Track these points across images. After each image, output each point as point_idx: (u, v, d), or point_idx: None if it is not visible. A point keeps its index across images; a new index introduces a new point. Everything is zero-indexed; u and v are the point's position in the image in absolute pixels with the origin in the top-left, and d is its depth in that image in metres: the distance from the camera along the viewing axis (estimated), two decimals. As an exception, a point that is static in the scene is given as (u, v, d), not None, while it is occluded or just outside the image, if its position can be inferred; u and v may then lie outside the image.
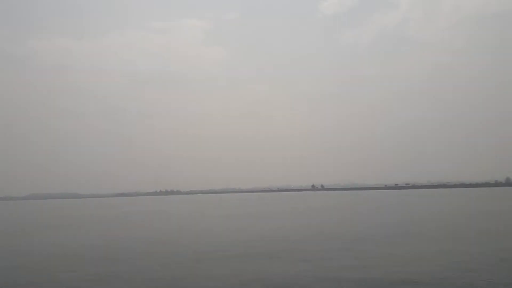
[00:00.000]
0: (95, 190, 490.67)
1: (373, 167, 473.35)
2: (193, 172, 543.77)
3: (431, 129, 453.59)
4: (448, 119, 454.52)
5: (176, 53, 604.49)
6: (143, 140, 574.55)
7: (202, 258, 18.81)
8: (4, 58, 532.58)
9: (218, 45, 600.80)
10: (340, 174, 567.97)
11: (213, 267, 16.75)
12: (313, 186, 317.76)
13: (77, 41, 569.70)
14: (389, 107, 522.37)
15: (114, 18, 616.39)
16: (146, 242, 25.97)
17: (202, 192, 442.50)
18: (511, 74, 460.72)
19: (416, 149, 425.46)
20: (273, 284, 13.62)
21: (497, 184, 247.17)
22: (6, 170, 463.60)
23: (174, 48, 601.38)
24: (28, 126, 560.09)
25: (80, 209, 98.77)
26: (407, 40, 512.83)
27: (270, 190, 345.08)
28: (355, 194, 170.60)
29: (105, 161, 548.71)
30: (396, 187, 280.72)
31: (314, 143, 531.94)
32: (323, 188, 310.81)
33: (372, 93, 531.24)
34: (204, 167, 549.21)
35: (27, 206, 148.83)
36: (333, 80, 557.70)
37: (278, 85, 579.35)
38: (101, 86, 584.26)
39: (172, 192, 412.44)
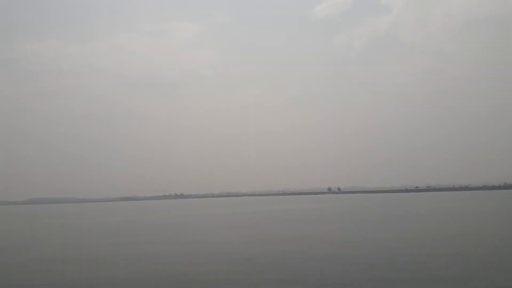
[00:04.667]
0: (94, 195, 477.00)
1: (378, 171, 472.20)
2: (191, 176, 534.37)
3: (429, 132, 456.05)
4: (444, 123, 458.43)
5: (168, 56, 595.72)
6: (137, 144, 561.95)
7: None
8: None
9: (210, 48, 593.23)
10: (346, 177, 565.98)
11: None
12: (329, 189, 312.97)
13: (68, 43, 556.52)
14: (386, 111, 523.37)
15: (104, 21, 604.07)
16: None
17: (205, 196, 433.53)
18: (502, 78, 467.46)
19: (417, 152, 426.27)
20: None
21: (506, 186, 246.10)
22: (3, 174, 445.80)
23: (165, 51, 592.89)
24: (22, 130, 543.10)
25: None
26: (399, 44, 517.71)
27: (284, 194, 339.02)
28: (393, 196, 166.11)
29: (100, 166, 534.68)
30: (418, 189, 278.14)
31: (315, 145, 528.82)
32: (340, 191, 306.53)
33: (364, 96, 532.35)
34: (202, 171, 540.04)
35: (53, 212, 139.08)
36: (325, 83, 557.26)
37: (270, 88, 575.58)
38: (92, 89, 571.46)
39: (181, 196, 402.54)
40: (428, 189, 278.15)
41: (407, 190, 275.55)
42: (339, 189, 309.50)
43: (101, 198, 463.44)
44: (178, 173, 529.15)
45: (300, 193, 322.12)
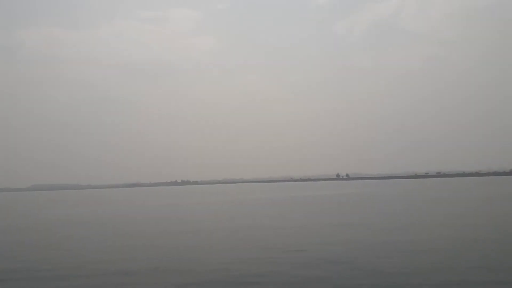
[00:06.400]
0: (98, 181, 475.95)
1: (380, 158, 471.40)
2: (195, 163, 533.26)
3: (431, 120, 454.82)
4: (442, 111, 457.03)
5: (167, 43, 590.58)
6: (138, 131, 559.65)
7: None
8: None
9: (209, 34, 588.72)
10: (349, 163, 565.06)
11: None
12: (337, 175, 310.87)
13: (67, 31, 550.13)
14: (389, 99, 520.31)
15: (104, 8, 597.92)
16: None
17: (209, 183, 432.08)
18: (503, 64, 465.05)
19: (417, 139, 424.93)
20: None
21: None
22: (7, 161, 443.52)
23: (165, 38, 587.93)
24: (24, 117, 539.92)
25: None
26: (400, 31, 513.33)
27: (291, 180, 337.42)
28: (407, 182, 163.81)
29: (103, 153, 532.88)
30: (427, 175, 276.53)
31: (318, 132, 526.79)
32: (348, 178, 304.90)
33: (365, 84, 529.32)
34: (206, 158, 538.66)
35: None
36: (325, 70, 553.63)
37: (269, 75, 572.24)
38: (92, 77, 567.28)
39: (186, 183, 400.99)
40: (438, 175, 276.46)
41: (416, 176, 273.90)
42: (347, 175, 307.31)
43: (105, 184, 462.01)
44: (182, 160, 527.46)
45: (307, 180, 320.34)
